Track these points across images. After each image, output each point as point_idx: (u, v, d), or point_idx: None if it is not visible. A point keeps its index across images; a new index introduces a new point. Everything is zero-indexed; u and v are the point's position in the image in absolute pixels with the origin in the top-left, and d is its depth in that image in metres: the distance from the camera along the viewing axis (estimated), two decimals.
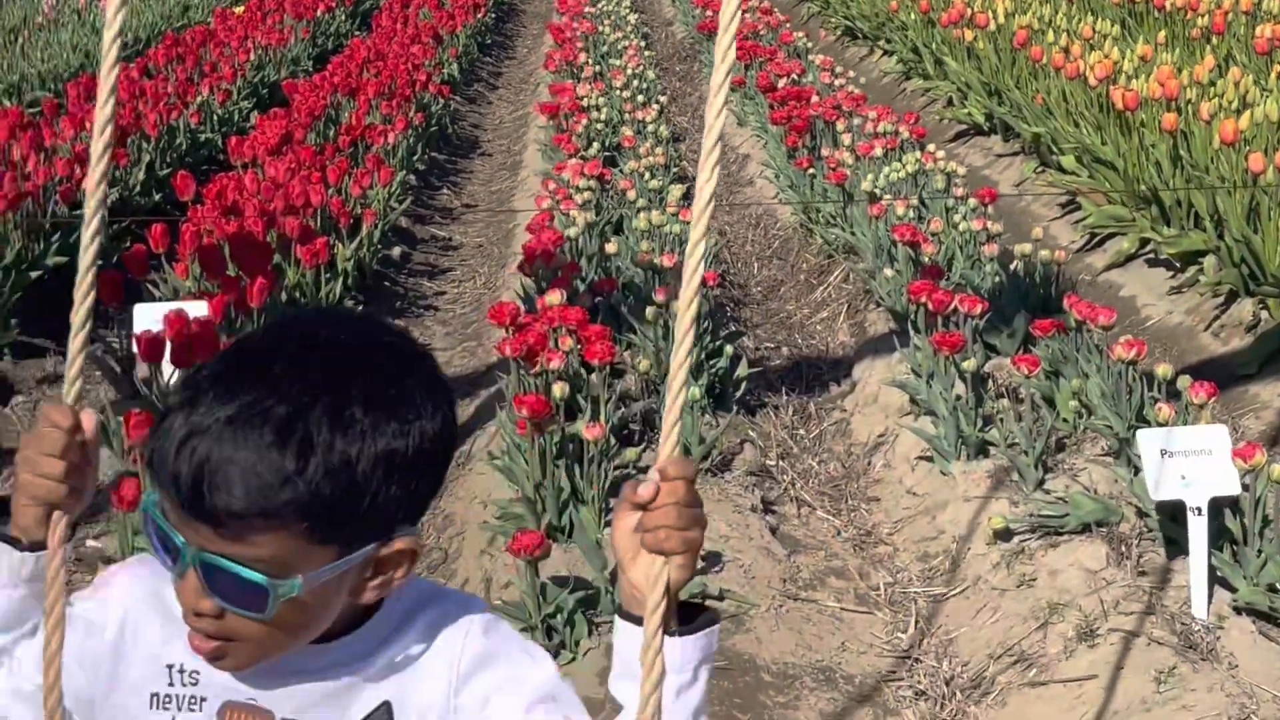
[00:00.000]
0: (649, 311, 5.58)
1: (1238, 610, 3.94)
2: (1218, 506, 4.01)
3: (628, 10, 14.88)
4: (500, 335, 5.18)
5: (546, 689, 1.58)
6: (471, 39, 14.53)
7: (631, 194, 7.44)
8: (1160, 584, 4.10)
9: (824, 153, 8.29)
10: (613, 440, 4.80)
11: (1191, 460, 3.91)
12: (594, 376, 4.94)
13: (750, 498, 4.94)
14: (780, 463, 5.37)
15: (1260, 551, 3.97)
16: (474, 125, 12.10)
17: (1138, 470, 4.24)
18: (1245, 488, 4.00)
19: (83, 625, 1.59)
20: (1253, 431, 5.40)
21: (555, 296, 5.35)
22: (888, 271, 6.31)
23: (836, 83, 10.24)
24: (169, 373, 4.90)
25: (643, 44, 13.08)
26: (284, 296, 6.07)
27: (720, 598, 4.13)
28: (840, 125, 8.60)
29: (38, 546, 1.56)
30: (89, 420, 1.54)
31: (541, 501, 4.43)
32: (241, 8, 13.89)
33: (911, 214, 6.85)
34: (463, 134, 11.61)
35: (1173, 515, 4.12)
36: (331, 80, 10.15)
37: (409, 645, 1.58)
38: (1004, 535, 4.46)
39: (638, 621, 1.49)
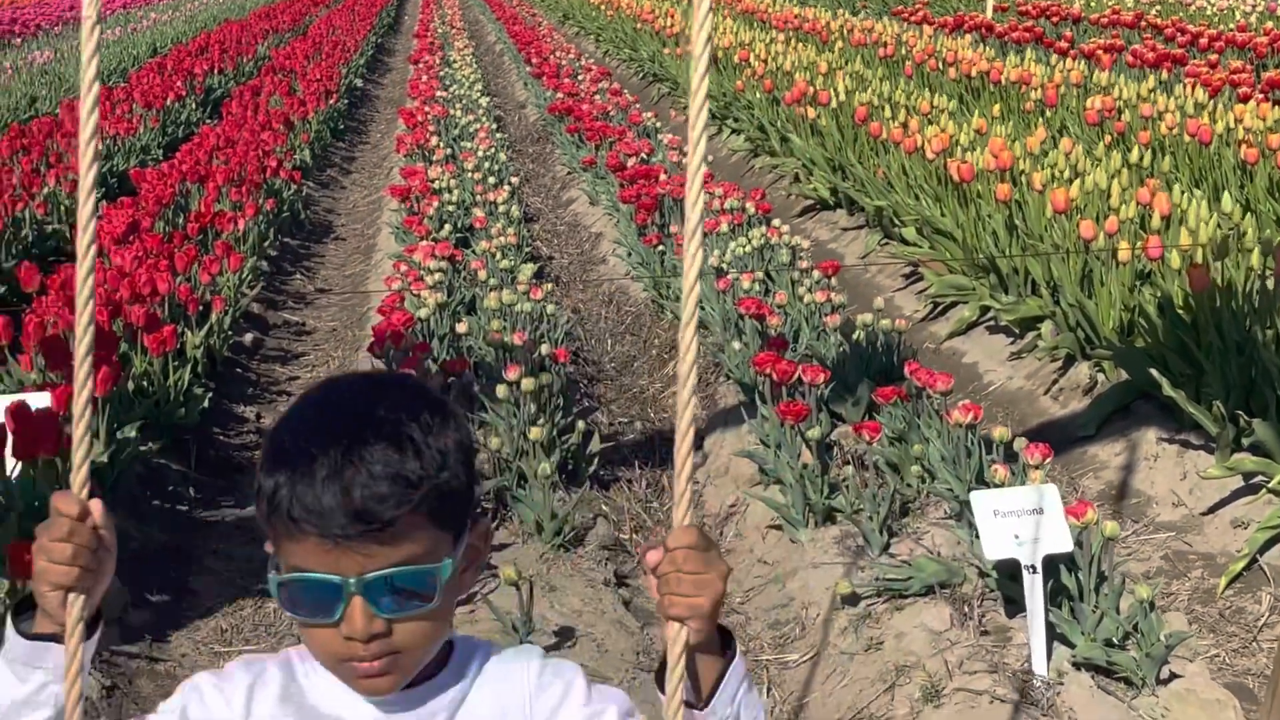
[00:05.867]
0: (500, 390, 5.60)
1: (1076, 666, 4.01)
2: (1054, 564, 4.11)
3: (480, 94, 15.00)
4: None
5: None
6: (324, 125, 14.55)
7: (483, 274, 7.49)
8: (1002, 643, 4.18)
9: (672, 229, 8.42)
10: None
11: (1023, 519, 3.99)
12: None
13: (604, 572, 4.97)
14: (634, 536, 5.41)
15: (1096, 607, 4.07)
16: (328, 210, 12.09)
17: (978, 532, 4.33)
18: (1079, 545, 4.11)
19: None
20: (1092, 491, 5.54)
21: None
22: (735, 344, 6.40)
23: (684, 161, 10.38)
24: (10, 466, 4.82)
25: (494, 126, 13.18)
26: (130, 385, 6.01)
27: None
28: None
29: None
30: (96, 507, 1.66)
31: None
32: None
33: (758, 288, 6.96)
34: (316, 219, 11.59)
35: (1012, 575, 4.19)
36: (180, 168, 10.09)
37: (482, 686, 1.73)
38: (851, 600, 4.52)
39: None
